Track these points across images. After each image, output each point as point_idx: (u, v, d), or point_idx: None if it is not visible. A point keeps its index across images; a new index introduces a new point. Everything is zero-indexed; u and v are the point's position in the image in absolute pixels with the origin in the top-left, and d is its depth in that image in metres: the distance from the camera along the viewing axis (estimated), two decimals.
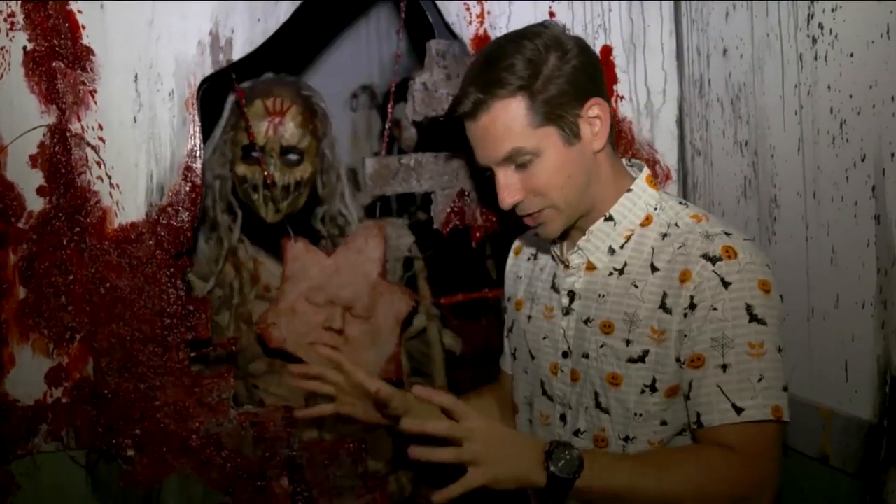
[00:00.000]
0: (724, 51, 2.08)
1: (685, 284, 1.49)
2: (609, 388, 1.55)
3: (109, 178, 2.09)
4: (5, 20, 2.02)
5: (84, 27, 2.06)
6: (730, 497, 1.43)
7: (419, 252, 2.49)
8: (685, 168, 2.29)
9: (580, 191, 1.56)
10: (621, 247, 1.59)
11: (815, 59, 1.75)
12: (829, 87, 1.71)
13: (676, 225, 1.57)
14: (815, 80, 1.76)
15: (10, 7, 2.02)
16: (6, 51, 2.03)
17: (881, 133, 1.56)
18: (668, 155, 2.28)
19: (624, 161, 1.67)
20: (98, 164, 2.08)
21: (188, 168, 2.12)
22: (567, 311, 1.64)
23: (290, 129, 2.32)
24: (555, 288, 1.68)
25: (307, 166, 2.33)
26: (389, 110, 2.37)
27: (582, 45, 1.56)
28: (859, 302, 1.65)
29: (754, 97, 1.98)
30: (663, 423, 1.54)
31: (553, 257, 1.71)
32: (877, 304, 1.60)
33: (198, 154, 2.12)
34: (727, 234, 1.51)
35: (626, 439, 1.55)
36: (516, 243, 1.89)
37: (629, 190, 1.60)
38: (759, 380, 1.44)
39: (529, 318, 1.73)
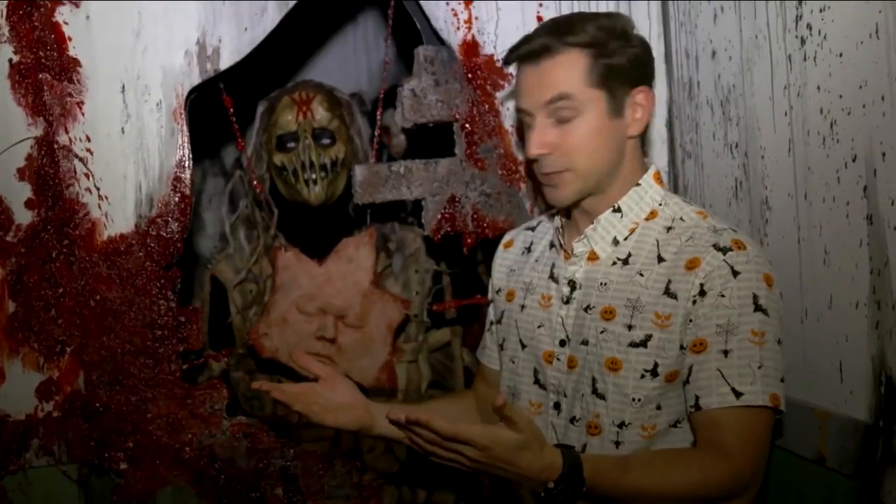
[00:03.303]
0: (713, 53, 2.07)
1: (693, 271, 1.53)
2: (608, 373, 1.56)
3: (98, 189, 2.08)
4: None
5: (70, 39, 2.05)
6: (724, 494, 1.48)
7: (447, 267, 2.47)
8: (675, 171, 2.28)
9: (604, 166, 1.60)
10: (625, 238, 1.63)
11: (805, 59, 1.74)
12: (818, 88, 1.71)
13: (681, 219, 1.62)
14: (804, 80, 1.75)
15: None
16: None
17: (872, 133, 1.56)
18: (658, 158, 2.28)
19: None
20: (86, 175, 2.07)
21: (177, 179, 2.11)
22: (567, 300, 1.65)
23: (320, 112, 2.34)
24: (553, 278, 1.70)
25: (340, 147, 2.33)
26: (378, 117, 2.36)
27: (644, 40, 1.67)
28: (853, 302, 1.64)
29: (744, 99, 1.97)
30: (658, 407, 1.55)
31: (554, 245, 1.73)
32: (870, 305, 1.60)
33: (187, 164, 2.11)
34: (733, 230, 1.58)
35: (622, 425, 1.55)
36: (507, 237, 1.91)
37: (637, 184, 1.64)
38: (759, 367, 1.48)
39: (523, 307, 1.74)
